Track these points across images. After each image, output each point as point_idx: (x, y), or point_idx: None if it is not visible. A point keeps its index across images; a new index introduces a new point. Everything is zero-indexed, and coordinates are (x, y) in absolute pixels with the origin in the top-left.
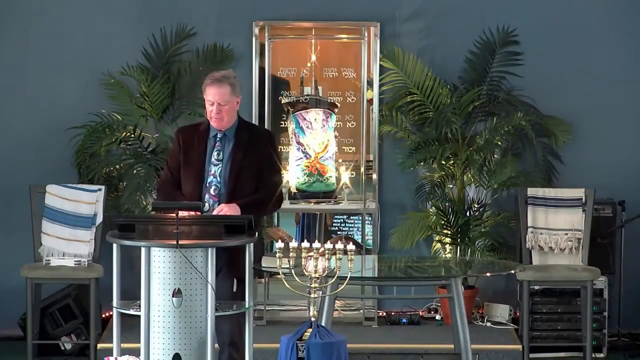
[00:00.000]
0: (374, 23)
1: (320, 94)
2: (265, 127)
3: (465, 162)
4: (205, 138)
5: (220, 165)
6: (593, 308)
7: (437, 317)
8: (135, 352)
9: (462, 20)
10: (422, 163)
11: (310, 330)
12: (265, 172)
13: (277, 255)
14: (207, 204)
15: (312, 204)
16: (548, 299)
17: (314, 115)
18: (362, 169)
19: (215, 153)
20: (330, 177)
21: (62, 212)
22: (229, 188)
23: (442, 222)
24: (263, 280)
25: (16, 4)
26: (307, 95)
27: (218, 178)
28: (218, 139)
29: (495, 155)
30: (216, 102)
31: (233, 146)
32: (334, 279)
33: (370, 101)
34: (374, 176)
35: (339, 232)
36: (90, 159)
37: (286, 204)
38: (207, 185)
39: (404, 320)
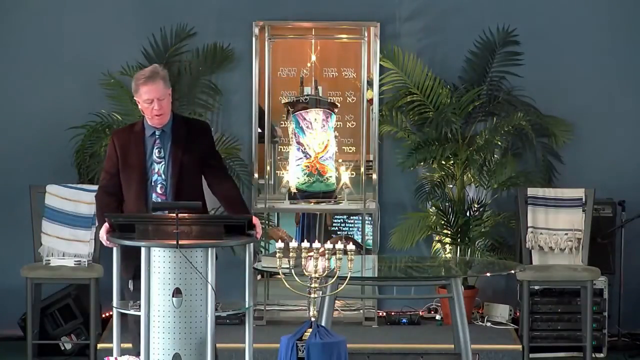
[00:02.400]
0: (374, 23)
1: (320, 94)
2: (266, 127)
3: (465, 162)
4: (142, 138)
5: (163, 162)
6: (593, 308)
7: (437, 317)
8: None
9: (462, 20)
10: (422, 163)
11: (310, 330)
12: (213, 161)
13: (277, 255)
14: None
15: (312, 204)
16: (548, 299)
17: (314, 115)
18: (362, 169)
19: (156, 151)
20: (330, 177)
21: (62, 212)
22: (173, 184)
23: (442, 222)
24: (263, 280)
25: (16, 4)
26: (307, 95)
27: (163, 175)
28: (157, 136)
29: (495, 155)
30: (155, 99)
31: (172, 142)
32: (334, 279)
33: (370, 101)
34: (374, 176)
35: (339, 232)
36: (90, 159)
37: (286, 204)
38: (153, 183)
39: (404, 320)
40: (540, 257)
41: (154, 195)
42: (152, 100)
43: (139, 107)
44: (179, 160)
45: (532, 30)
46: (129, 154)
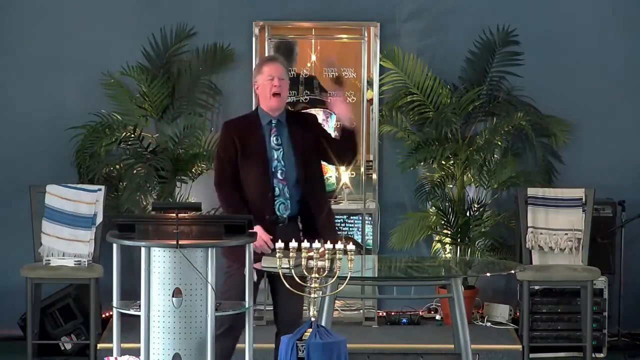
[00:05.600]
0: (374, 23)
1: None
2: None
3: (465, 162)
4: (260, 126)
5: (281, 149)
6: (593, 308)
7: (437, 317)
8: (135, 352)
9: (462, 20)
10: (422, 163)
11: (310, 330)
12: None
13: (277, 255)
14: (276, 189)
15: None
16: (548, 299)
17: None
18: (362, 169)
19: (273, 138)
20: (330, 177)
21: (62, 212)
22: (299, 171)
23: (442, 222)
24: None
25: (16, 4)
26: (307, 95)
27: (282, 162)
28: (274, 124)
29: (495, 155)
30: (276, 77)
31: (289, 131)
32: (334, 279)
33: (370, 101)
34: (374, 176)
35: (339, 232)
36: (90, 159)
37: None
38: (274, 170)
39: (404, 320)
40: (540, 257)
41: (275, 181)
42: (273, 78)
43: (257, 90)
44: (299, 147)
45: (532, 30)
46: (248, 142)
